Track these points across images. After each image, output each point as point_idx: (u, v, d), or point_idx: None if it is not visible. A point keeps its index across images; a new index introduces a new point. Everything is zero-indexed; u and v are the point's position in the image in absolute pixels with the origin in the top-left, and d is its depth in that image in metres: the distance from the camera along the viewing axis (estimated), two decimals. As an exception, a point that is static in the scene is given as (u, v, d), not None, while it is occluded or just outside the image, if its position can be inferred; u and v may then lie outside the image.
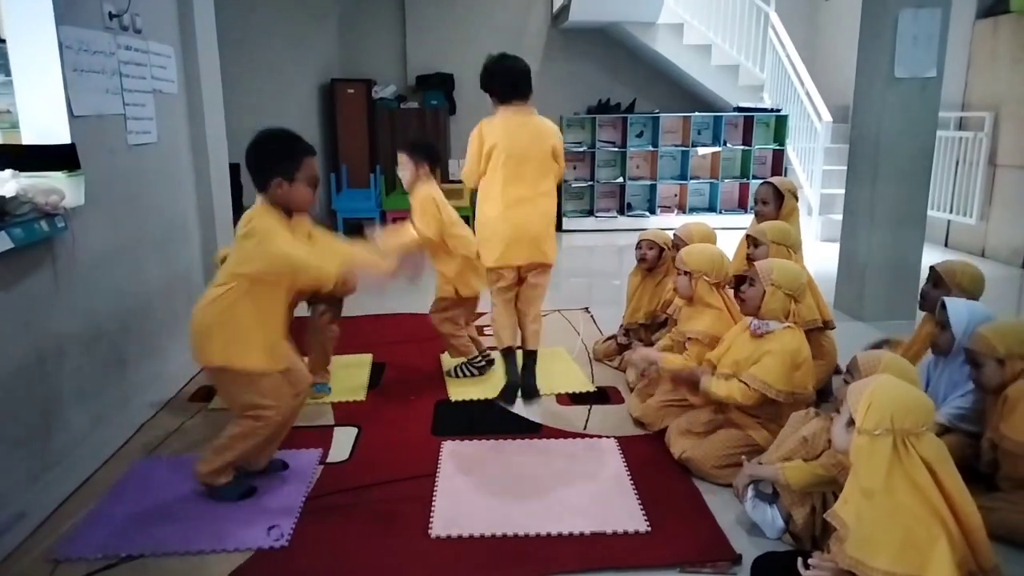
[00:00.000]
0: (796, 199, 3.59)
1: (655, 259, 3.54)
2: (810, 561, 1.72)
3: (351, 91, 7.63)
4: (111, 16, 3.08)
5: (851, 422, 1.64)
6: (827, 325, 3.13)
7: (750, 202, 7.79)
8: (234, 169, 4.44)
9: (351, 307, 4.07)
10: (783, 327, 2.49)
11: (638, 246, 3.61)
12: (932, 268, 2.83)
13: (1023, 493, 2.17)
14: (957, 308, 2.44)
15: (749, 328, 2.54)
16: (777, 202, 3.57)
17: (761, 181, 3.87)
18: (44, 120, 2.71)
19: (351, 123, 7.68)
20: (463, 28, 8.22)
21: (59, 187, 2.55)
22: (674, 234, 3.48)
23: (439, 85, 8.09)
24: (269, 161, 2.28)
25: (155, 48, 3.49)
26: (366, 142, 7.74)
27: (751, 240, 3.24)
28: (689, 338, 2.88)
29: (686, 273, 2.93)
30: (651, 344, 3.53)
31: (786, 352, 2.44)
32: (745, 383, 2.44)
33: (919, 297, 2.89)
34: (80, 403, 2.80)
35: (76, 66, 2.79)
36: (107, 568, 2.07)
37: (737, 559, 2.07)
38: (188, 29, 3.87)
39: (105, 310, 3.01)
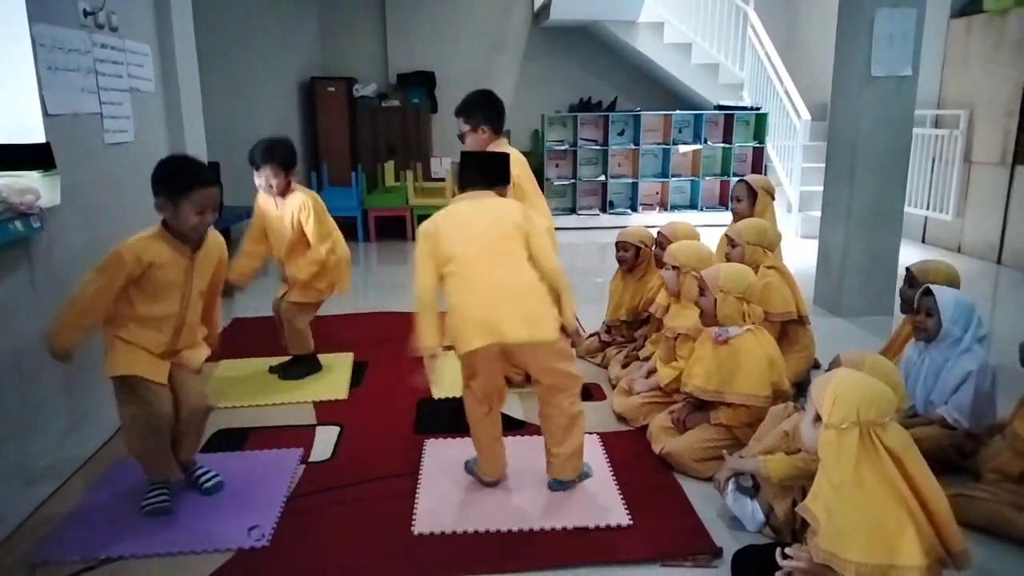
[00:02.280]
0: (771, 197, 3.62)
1: (632, 259, 3.56)
2: (787, 551, 1.74)
3: (332, 89, 7.60)
4: (86, 14, 3.04)
5: (817, 418, 1.67)
6: (802, 320, 3.16)
7: (731, 200, 7.85)
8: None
9: (332, 306, 4.05)
10: (744, 330, 2.52)
11: (616, 248, 3.63)
12: (908, 269, 2.87)
13: (1006, 485, 2.21)
14: (944, 295, 2.50)
15: (712, 338, 2.55)
16: (751, 199, 3.61)
17: (737, 179, 3.90)
18: (18, 119, 2.68)
19: (332, 122, 7.65)
20: (444, 26, 8.22)
21: (34, 187, 2.52)
22: (659, 232, 3.50)
23: (421, 83, 8.08)
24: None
25: (131, 46, 3.46)
26: (347, 141, 7.71)
27: (728, 240, 3.26)
28: (679, 335, 2.90)
29: (674, 268, 2.94)
30: (633, 340, 3.56)
31: (759, 358, 2.47)
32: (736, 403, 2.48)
33: (900, 299, 2.93)
34: (58, 405, 2.77)
35: (50, 64, 2.76)
36: (86, 570, 2.04)
37: (718, 552, 2.09)
38: (165, 27, 3.84)
39: (82, 311, 2.97)
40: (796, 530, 2.10)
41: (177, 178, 2.23)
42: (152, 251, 2.22)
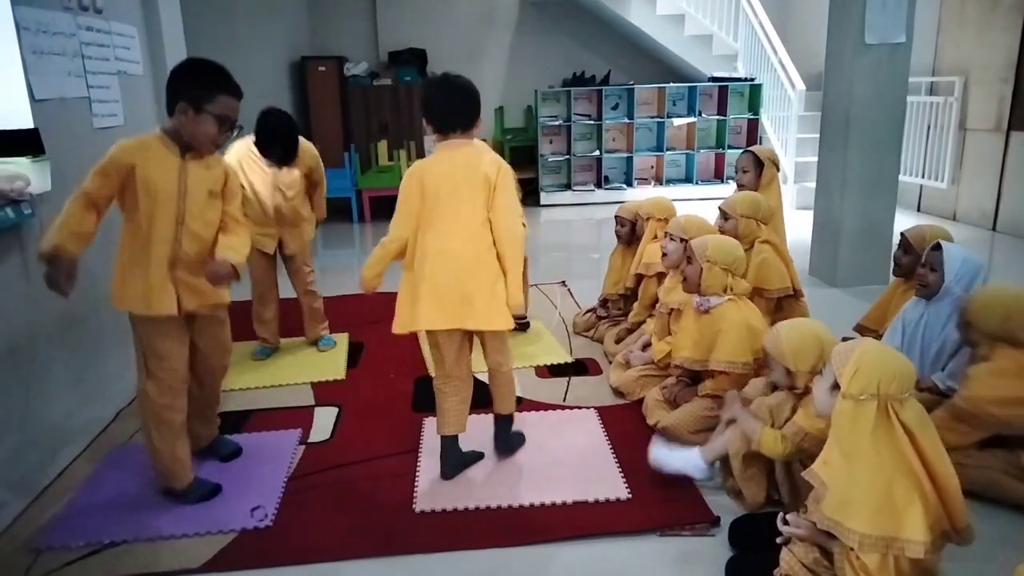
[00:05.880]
0: (777, 168, 3.60)
1: (628, 234, 3.57)
2: (788, 518, 1.76)
3: (322, 69, 7.52)
4: (69, -4, 3.00)
5: (835, 386, 1.66)
6: (797, 294, 3.16)
7: (727, 172, 7.83)
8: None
9: (327, 288, 4.05)
10: (725, 300, 2.52)
11: (615, 222, 3.64)
12: (902, 235, 2.87)
13: (996, 452, 2.22)
14: (952, 253, 2.45)
15: (694, 307, 2.57)
16: (757, 170, 3.57)
17: (741, 150, 3.87)
18: (5, 105, 2.64)
19: (323, 102, 7.58)
20: (434, 2, 8.11)
21: (24, 173, 2.50)
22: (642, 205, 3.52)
23: (412, 61, 7.99)
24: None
25: (117, 28, 3.42)
26: (339, 121, 7.65)
27: (722, 213, 3.25)
28: (672, 310, 2.90)
29: (681, 240, 2.92)
30: (626, 314, 3.57)
31: (738, 325, 2.47)
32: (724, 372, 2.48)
33: (894, 263, 2.92)
34: (56, 392, 2.78)
35: (35, 48, 2.72)
36: (90, 555, 2.06)
37: (715, 521, 2.11)
38: (151, 8, 3.79)
39: (78, 297, 2.95)
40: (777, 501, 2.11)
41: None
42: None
